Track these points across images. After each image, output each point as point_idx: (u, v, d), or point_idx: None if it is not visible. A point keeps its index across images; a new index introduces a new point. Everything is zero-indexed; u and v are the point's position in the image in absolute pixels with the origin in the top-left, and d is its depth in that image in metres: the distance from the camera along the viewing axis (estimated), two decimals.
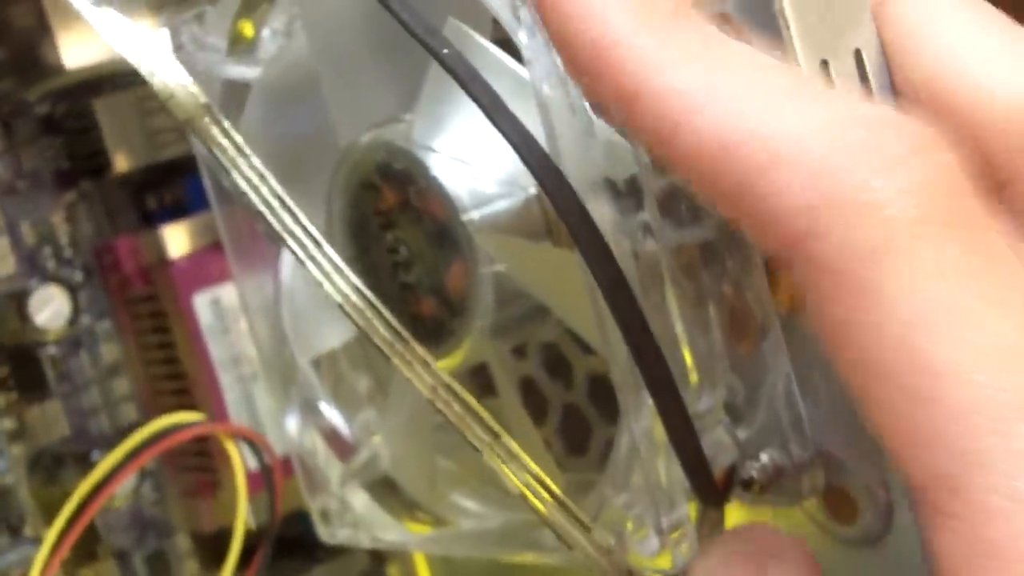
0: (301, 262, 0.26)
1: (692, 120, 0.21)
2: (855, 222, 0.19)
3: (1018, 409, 0.18)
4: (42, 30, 0.41)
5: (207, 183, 0.36)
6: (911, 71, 0.24)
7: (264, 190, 0.26)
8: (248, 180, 0.26)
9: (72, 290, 0.41)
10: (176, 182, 0.44)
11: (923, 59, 0.24)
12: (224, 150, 0.27)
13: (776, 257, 0.21)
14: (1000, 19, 0.25)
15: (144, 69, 0.27)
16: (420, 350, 0.25)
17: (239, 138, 0.26)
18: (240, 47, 0.34)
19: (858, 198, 0.19)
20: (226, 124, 0.27)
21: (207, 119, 0.27)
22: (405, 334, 0.25)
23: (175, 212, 0.43)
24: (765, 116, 0.20)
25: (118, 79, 0.42)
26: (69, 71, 0.40)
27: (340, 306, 0.25)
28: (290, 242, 0.26)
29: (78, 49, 0.40)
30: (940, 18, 0.25)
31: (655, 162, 0.25)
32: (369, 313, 0.25)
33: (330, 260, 0.26)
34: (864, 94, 0.24)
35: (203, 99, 0.27)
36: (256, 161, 0.26)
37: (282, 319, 0.36)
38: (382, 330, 0.25)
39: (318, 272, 0.26)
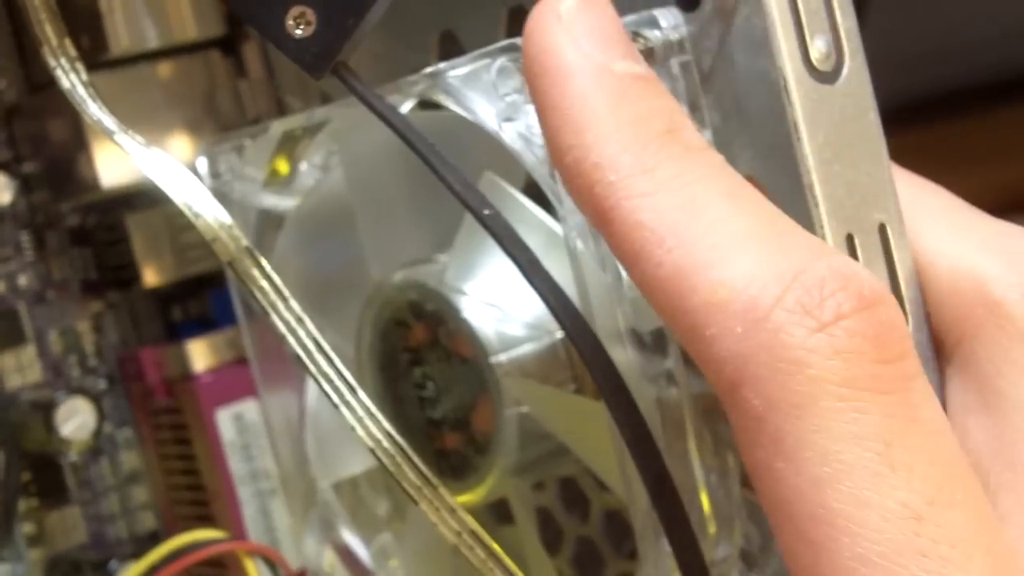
0: (335, 406, 0.27)
1: (652, 256, 0.22)
2: (782, 377, 0.21)
3: (902, 566, 0.20)
4: (79, 145, 0.42)
5: (236, 300, 0.38)
6: None
7: (301, 333, 0.27)
8: (286, 323, 0.27)
9: (95, 399, 0.42)
10: (202, 295, 0.45)
11: None
12: (265, 293, 0.28)
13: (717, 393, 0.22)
14: (944, 196, 0.27)
15: (189, 211, 0.28)
16: (448, 497, 0.26)
17: (279, 281, 0.28)
18: (276, 179, 0.35)
19: (789, 355, 0.21)
20: (267, 267, 0.28)
21: (249, 262, 0.28)
22: (434, 481, 0.26)
23: (200, 325, 0.44)
24: (719, 262, 0.22)
25: (150, 195, 0.43)
26: (104, 188, 0.41)
27: (371, 451, 0.26)
28: (324, 386, 0.27)
29: (114, 167, 0.41)
30: None
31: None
32: (399, 458, 0.26)
33: (363, 405, 0.27)
34: (823, 243, 0.24)
35: (245, 242, 0.28)
36: (295, 305, 0.27)
37: (305, 441, 0.36)
38: (411, 474, 0.26)
39: (351, 416, 0.27)
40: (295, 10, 0.26)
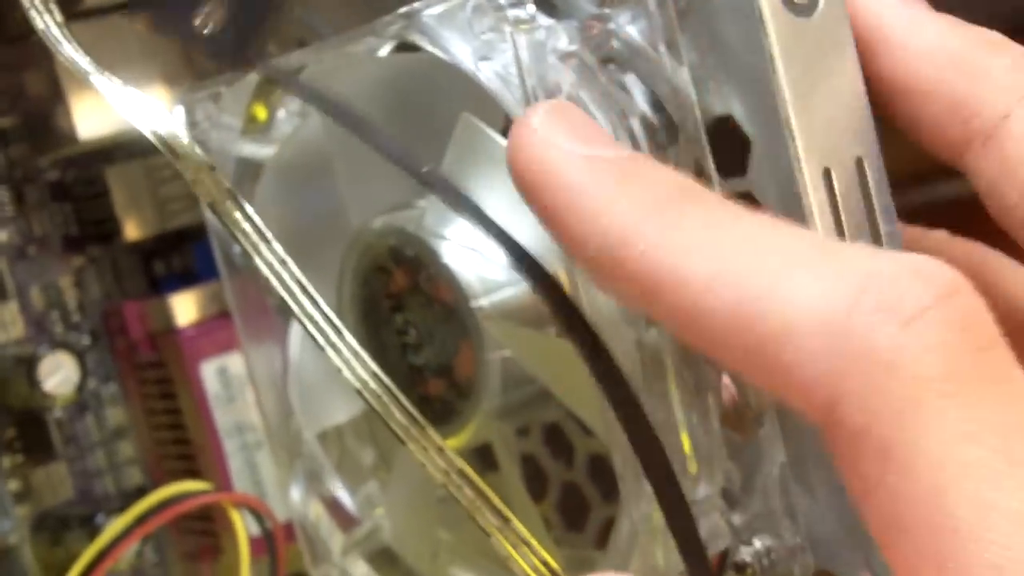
0: (320, 347, 0.27)
1: (707, 305, 0.21)
2: (879, 384, 0.19)
3: None
4: (56, 98, 0.41)
5: (217, 253, 0.37)
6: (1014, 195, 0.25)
7: (285, 275, 0.27)
8: (269, 265, 0.27)
9: (79, 354, 0.41)
10: (184, 249, 0.45)
11: None
12: (247, 235, 0.27)
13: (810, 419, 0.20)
14: None
15: (169, 151, 0.28)
16: (435, 437, 0.26)
17: (261, 223, 0.27)
18: (254, 127, 0.35)
19: (880, 359, 0.19)
20: (249, 209, 0.27)
21: (230, 203, 0.28)
22: (421, 420, 0.26)
23: (183, 279, 0.44)
24: (777, 288, 0.20)
25: (130, 147, 0.43)
26: (82, 141, 0.41)
27: (359, 392, 0.26)
28: (310, 327, 0.27)
29: (91, 119, 0.41)
30: None
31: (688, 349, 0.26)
32: (386, 398, 0.26)
33: (349, 346, 0.26)
34: (874, 247, 0.24)
35: (226, 184, 0.28)
36: (278, 247, 0.27)
37: (289, 392, 0.36)
38: (398, 415, 0.26)
39: (337, 358, 0.26)
40: (203, 8, 0.26)
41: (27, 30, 0.41)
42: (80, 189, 0.44)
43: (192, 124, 0.36)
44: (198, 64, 0.42)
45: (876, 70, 0.25)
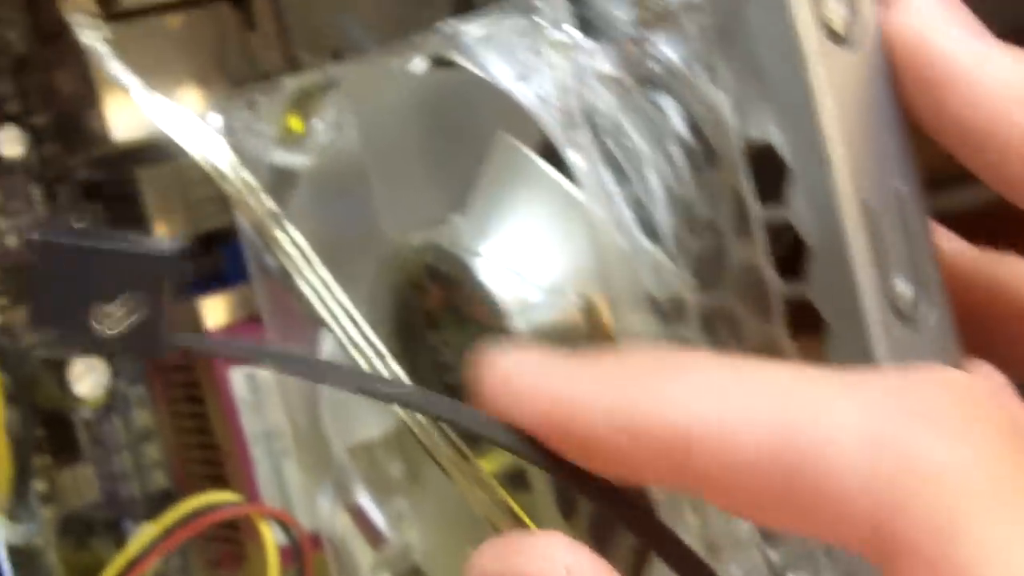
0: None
1: (740, 442, 0.21)
2: (927, 498, 0.19)
3: None
4: (89, 97, 0.41)
5: (248, 257, 0.37)
6: None
7: (328, 298, 0.27)
8: (313, 288, 0.27)
9: (108, 356, 0.41)
10: (214, 252, 0.45)
11: None
12: (290, 257, 0.27)
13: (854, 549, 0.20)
14: None
15: (215, 174, 0.28)
16: (483, 471, 0.26)
17: (307, 246, 0.27)
18: (290, 137, 0.34)
19: (926, 471, 0.19)
20: (295, 233, 0.27)
21: (275, 227, 0.27)
22: (468, 452, 0.26)
23: (212, 282, 0.44)
24: (810, 415, 0.20)
25: (162, 149, 0.43)
26: (115, 142, 0.41)
27: (409, 428, 0.26)
28: (352, 352, 0.27)
29: (124, 120, 0.41)
30: None
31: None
32: (436, 434, 0.26)
33: (392, 373, 0.26)
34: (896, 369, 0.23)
35: (272, 206, 0.27)
36: (324, 272, 0.27)
37: (319, 402, 0.36)
38: (445, 447, 0.26)
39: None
40: (99, 311, 0.24)
41: (60, 28, 0.41)
42: (111, 189, 0.43)
43: (228, 131, 0.35)
44: (230, 66, 0.42)
45: (944, 107, 0.24)
